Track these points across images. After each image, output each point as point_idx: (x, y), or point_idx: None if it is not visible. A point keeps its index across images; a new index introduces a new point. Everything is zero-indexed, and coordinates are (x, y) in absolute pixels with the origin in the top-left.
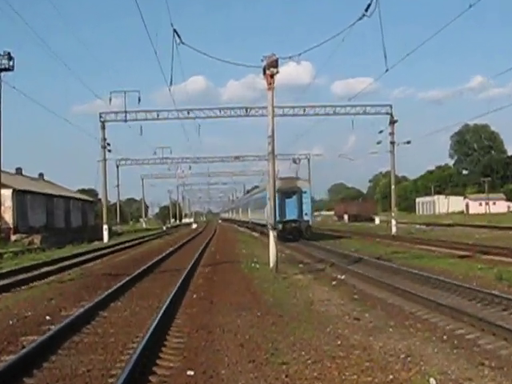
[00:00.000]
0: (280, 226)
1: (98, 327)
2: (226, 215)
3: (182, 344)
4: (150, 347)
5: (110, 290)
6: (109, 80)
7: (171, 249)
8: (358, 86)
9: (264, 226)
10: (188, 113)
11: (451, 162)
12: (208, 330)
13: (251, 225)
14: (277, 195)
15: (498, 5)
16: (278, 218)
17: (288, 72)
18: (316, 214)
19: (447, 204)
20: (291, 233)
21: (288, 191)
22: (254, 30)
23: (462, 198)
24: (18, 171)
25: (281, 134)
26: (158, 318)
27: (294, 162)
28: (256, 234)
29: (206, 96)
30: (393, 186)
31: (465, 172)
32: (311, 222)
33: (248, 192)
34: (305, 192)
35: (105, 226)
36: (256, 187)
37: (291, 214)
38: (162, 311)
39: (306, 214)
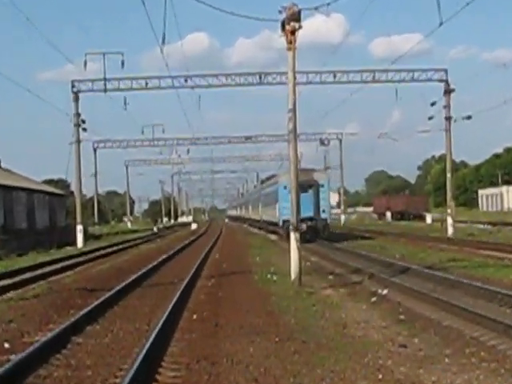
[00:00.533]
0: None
1: (71, 357)
2: (233, 212)
3: (179, 379)
4: None
5: (85, 310)
6: (84, 39)
7: (165, 256)
8: (404, 46)
9: (275, 224)
10: (185, 80)
11: None
12: (212, 360)
13: (263, 224)
14: (289, 189)
15: None
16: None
17: (314, 27)
18: (350, 210)
19: None
20: (306, 232)
21: (303, 185)
22: None
23: None
24: None
25: (305, 108)
26: (147, 346)
27: (322, 143)
28: (273, 237)
29: (208, 59)
30: (448, 175)
31: None
32: (329, 220)
33: (262, 182)
34: (322, 186)
35: (79, 227)
36: (273, 176)
37: (307, 211)
38: (152, 336)
39: (323, 211)
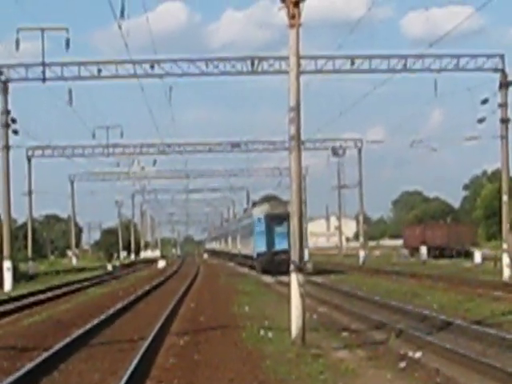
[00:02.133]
0: (265, 258)
1: None
2: (214, 245)
3: None
4: None
5: (12, 377)
6: (16, 9)
7: (121, 304)
8: (448, 23)
9: (251, 258)
10: (152, 67)
11: None
12: None
13: (241, 259)
14: (264, 221)
15: None
16: (264, 249)
17: None
18: (372, 243)
19: None
20: (280, 265)
21: (277, 217)
22: None
23: None
24: None
25: (313, 106)
26: None
27: (335, 153)
28: (269, 280)
29: (185, 39)
30: (505, 197)
31: None
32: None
33: (254, 204)
34: None
35: (6, 264)
36: (269, 198)
37: (281, 244)
38: None
39: None
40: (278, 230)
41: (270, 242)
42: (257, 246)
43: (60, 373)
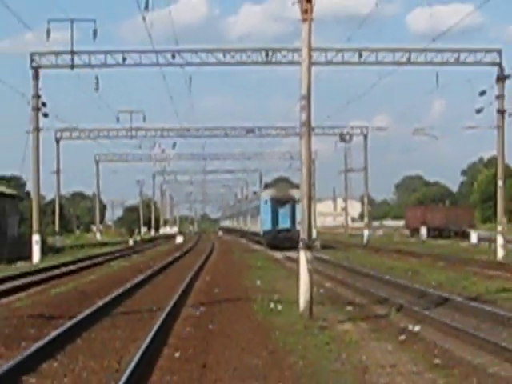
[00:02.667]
0: (271, 235)
1: None
2: (229, 223)
3: None
4: None
5: (40, 342)
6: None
7: (142, 277)
8: (450, 19)
9: (258, 234)
10: (173, 56)
11: None
12: None
13: (250, 235)
14: (270, 204)
15: None
16: (269, 227)
17: None
18: (375, 224)
19: None
20: (283, 242)
21: (281, 200)
22: None
23: None
24: None
25: (322, 95)
26: None
27: (342, 139)
28: (279, 256)
29: (205, 30)
30: (500, 182)
31: None
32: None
33: (269, 185)
34: (298, 202)
35: (35, 237)
36: (280, 180)
37: (284, 223)
38: (123, 379)
39: (299, 223)
40: (282, 211)
41: (275, 221)
42: (263, 224)
43: (83, 340)
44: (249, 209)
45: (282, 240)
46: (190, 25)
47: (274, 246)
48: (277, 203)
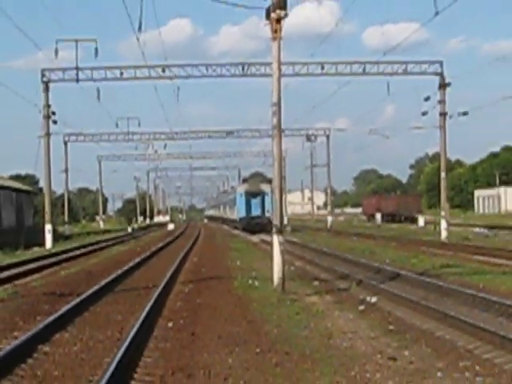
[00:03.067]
0: (245, 221)
1: (37, 368)
2: (212, 212)
3: None
4: None
5: (53, 316)
6: (54, 24)
7: (139, 259)
8: (399, 36)
9: (235, 221)
10: (163, 70)
11: None
12: (188, 372)
13: (229, 222)
14: (244, 195)
15: None
16: (244, 214)
17: (304, 15)
18: (337, 211)
19: None
20: (255, 226)
21: (253, 193)
22: None
23: None
24: None
25: (291, 102)
26: (118, 356)
27: (309, 139)
28: (256, 240)
29: (190, 48)
30: (443, 174)
31: None
32: (272, 218)
33: (244, 181)
34: (267, 194)
35: (48, 227)
36: (255, 175)
37: (256, 211)
38: (124, 345)
39: (267, 211)
40: (254, 201)
41: (248, 210)
42: (239, 212)
43: (90, 314)
44: (228, 200)
45: (254, 225)
46: (178, 43)
47: (248, 230)
48: (250, 195)
